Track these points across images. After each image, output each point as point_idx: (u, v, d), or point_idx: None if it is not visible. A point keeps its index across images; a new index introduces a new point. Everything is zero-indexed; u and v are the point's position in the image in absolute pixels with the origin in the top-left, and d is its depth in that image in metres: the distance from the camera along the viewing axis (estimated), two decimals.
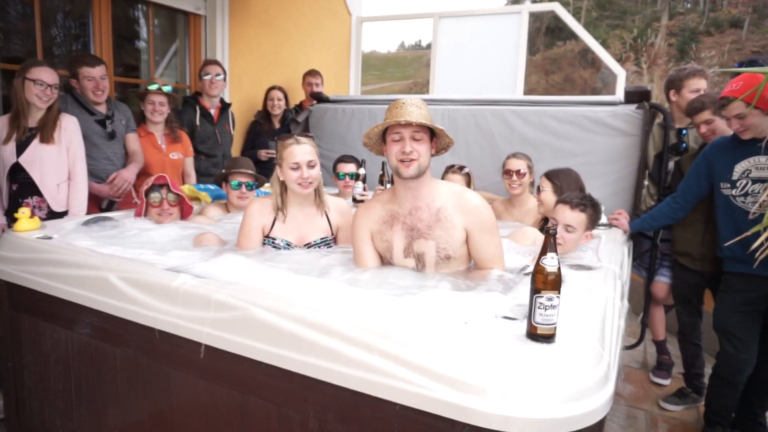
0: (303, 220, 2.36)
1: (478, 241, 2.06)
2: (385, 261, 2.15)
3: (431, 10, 5.87)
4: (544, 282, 1.37)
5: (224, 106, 4.21)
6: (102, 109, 3.31)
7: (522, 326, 1.53)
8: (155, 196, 2.84)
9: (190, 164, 3.82)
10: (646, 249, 3.56)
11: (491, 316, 1.62)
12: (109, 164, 3.29)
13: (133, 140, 3.46)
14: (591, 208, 2.34)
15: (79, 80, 3.19)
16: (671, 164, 3.42)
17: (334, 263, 2.13)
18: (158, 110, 3.53)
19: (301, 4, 5.35)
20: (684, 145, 3.40)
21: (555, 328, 1.40)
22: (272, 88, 4.58)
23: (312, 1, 5.49)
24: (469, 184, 3.44)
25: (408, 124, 1.92)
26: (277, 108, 4.57)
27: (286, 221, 2.34)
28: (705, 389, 3.11)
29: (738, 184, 2.67)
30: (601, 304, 1.76)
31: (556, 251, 1.39)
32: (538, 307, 1.38)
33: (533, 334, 1.40)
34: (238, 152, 4.67)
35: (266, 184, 3.46)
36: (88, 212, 3.05)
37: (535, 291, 1.39)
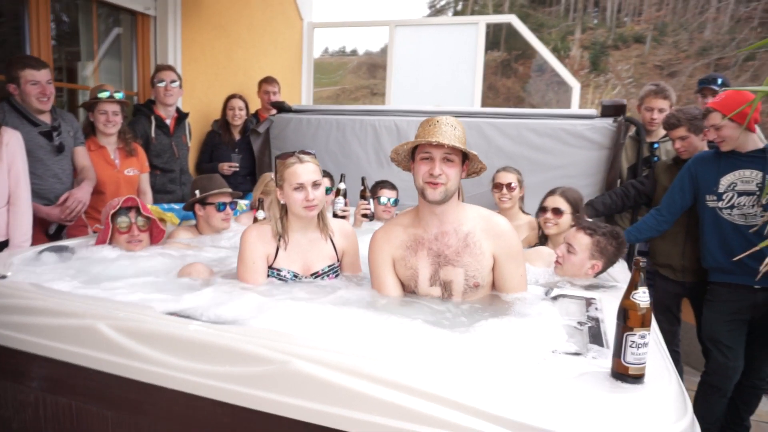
0: (307, 246, 2.14)
1: (505, 268, 1.95)
2: (407, 289, 1.99)
3: (387, 18, 5.75)
4: (636, 318, 1.28)
5: (181, 116, 3.84)
6: (46, 119, 2.88)
7: (587, 362, 1.44)
8: (123, 220, 2.49)
9: (145, 181, 3.44)
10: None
11: (548, 351, 1.52)
12: (56, 182, 2.87)
13: (82, 154, 3.05)
14: (602, 236, 2.24)
15: (20, 85, 2.75)
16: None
17: (353, 296, 1.93)
18: (112, 120, 3.14)
19: (253, 7, 5.04)
20: (656, 158, 3.51)
21: (645, 367, 1.30)
22: (232, 96, 4.25)
23: (264, 5, 5.20)
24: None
25: (440, 145, 1.77)
26: (238, 118, 4.25)
27: (289, 249, 2.11)
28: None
29: (724, 197, 2.75)
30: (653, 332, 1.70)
31: (646, 285, 1.30)
32: (630, 346, 1.29)
33: (623, 375, 1.30)
34: (194, 165, 4.29)
35: (241, 202, 3.18)
36: (34, 240, 2.64)
37: (626, 328, 1.29)
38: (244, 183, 4.21)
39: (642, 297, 1.28)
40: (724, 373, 2.80)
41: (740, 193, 2.71)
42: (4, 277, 1.95)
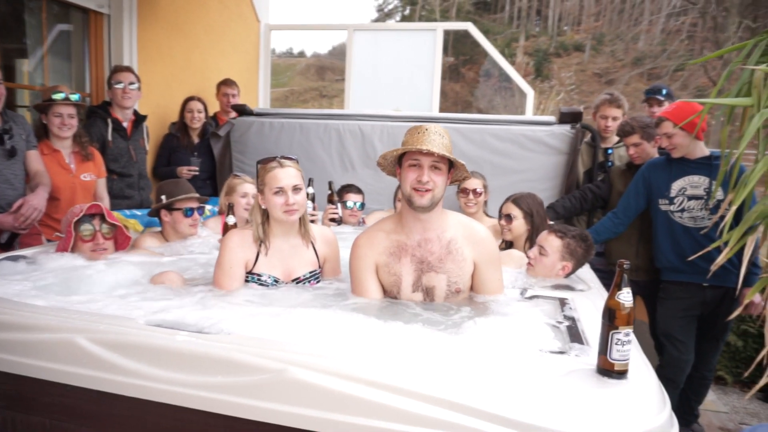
0: (288, 252, 2.12)
1: (485, 273, 2.01)
2: (389, 295, 2.01)
3: (344, 22, 5.76)
4: (621, 318, 1.35)
5: (138, 119, 3.70)
6: None
7: (571, 360, 1.51)
8: (87, 228, 2.38)
9: (102, 186, 3.29)
10: None
11: (534, 350, 1.58)
12: (8, 188, 2.70)
13: (35, 158, 2.88)
14: (572, 239, 2.34)
15: None
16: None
17: (337, 300, 1.93)
18: (67, 124, 2.99)
19: (210, 7, 4.93)
20: (610, 162, 3.70)
21: (629, 363, 1.38)
22: (190, 98, 4.13)
23: (221, 6, 5.09)
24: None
25: (429, 153, 1.81)
26: (197, 121, 4.13)
27: (270, 254, 2.09)
28: None
29: (675, 201, 2.94)
30: None
31: (629, 286, 1.38)
32: (615, 343, 1.36)
33: (609, 371, 1.38)
34: (151, 169, 4.14)
35: (207, 206, 3.10)
36: None
37: (612, 327, 1.36)
38: (204, 187, 4.11)
39: (626, 297, 1.36)
40: (677, 365, 2.98)
41: (690, 198, 2.90)
42: None
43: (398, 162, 1.95)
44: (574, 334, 1.72)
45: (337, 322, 1.62)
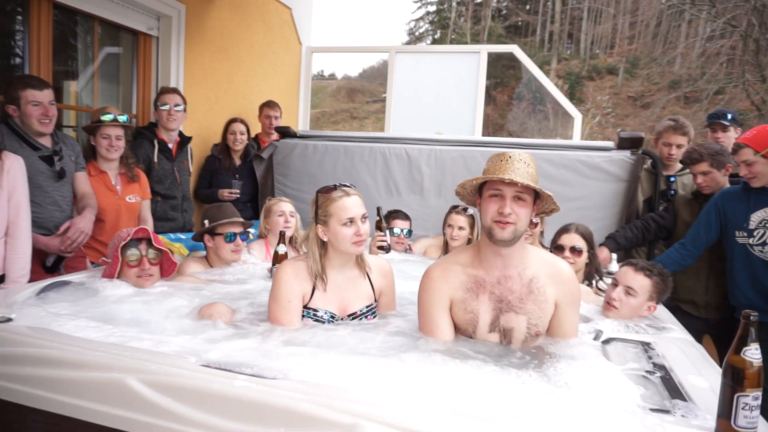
0: (344, 285, 1.98)
1: (565, 315, 1.84)
2: (463, 334, 1.84)
3: (387, 44, 5.71)
4: (750, 378, 1.16)
5: (183, 140, 3.66)
6: (47, 142, 2.68)
7: (678, 422, 1.32)
8: (133, 253, 2.29)
9: (146, 208, 3.24)
10: None
11: (634, 407, 1.39)
12: (57, 211, 2.65)
13: (83, 181, 2.84)
14: (658, 276, 2.17)
15: (20, 106, 2.55)
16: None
17: (405, 342, 1.77)
18: (115, 145, 2.96)
19: (255, 30, 4.93)
20: (673, 191, 3.48)
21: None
22: (233, 120, 4.09)
23: (265, 29, 5.10)
24: (473, 227, 3.25)
25: (512, 183, 1.66)
26: (239, 143, 4.08)
27: (327, 288, 1.95)
28: None
29: (755, 234, 2.71)
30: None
31: (757, 341, 1.19)
32: (743, 408, 1.17)
33: None
34: (192, 192, 4.10)
35: (250, 230, 3.01)
36: (31, 274, 2.41)
37: (738, 389, 1.17)
38: (245, 210, 4.03)
39: (754, 354, 1.18)
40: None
41: None
42: (8, 319, 1.74)
43: (478, 191, 1.80)
44: (672, 389, 1.52)
45: (412, 368, 1.46)
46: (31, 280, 2.33)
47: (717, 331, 3.06)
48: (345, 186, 1.94)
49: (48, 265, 2.60)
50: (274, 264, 2.62)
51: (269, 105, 4.57)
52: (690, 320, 3.17)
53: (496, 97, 26.27)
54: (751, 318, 1.20)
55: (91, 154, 3.00)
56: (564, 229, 2.79)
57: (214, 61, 4.39)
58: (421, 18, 34.18)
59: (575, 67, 30.78)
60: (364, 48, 6.17)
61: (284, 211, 3.04)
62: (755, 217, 2.72)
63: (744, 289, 2.75)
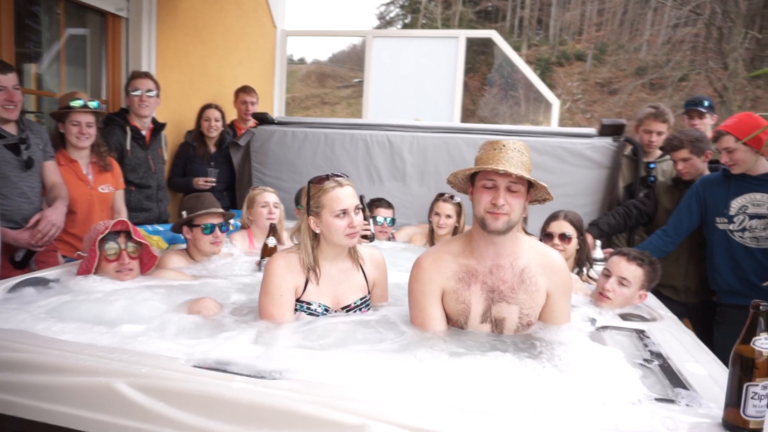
0: (338, 277, 1.93)
1: (556, 305, 1.82)
2: (455, 325, 1.81)
3: (361, 29, 5.59)
4: (760, 368, 1.17)
5: (157, 127, 3.51)
6: (11, 129, 2.52)
7: (683, 411, 1.32)
8: (111, 246, 2.18)
9: (120, 198, 3.10)
10: None
11: (639, 397, 1.39)
12: (25, 202, 2.50)
13: (52, 170, 2.69)
14: (649, 265, 2.18)
15: None
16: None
17: (401, 335, 1.73)
18: (86, 133, 2.81)
19: (228, 13, 4.76)
20: (652, 178, 3.52)
21: (764, 421, 1.19)
22: (207, 106, 3.94)
23: (239, 12, 4.92)
24: (460, 215, 3.23)
25: (506, 174, 1.62)
26: (214, 129, 3.94)
27: (320, 280, 1.89)
28: None
29: (735, 220, 2.76)
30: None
31: (766, 330, 1.19)
32: (752, 398, 1.17)
33: (741, 429, 1.18)
34: (165, 180, 3.95)
35: (230, 221, 2.91)
36: (0, 269, 2.28)
37: (747, 378, 1.17)
38: (222, 198, 3.90)
39: (764, 344, 1.17)
40: None
41: (752, 216, 2.72)
42: None
43: (470, 180, 1.76)
44: (673, 378, 1.53)
45: (412, 364, 1.43)
46: (0, 277, 2.20)
47: (696, 314, 3.12)
48: (338, 176, 1.87)
49: (17, 260, 2.46)
50: (262, 257, 2.54)
51: (245, 90, 4.42)
52: (669, 304, 3.21)
53: (468, 82, 26.32)
54: (761, 308, 1.19)
55: (59, 142, 2.84)
56: (553, 217, 2.78)
57: (187, 44, 4.21)
58: (392, 2, 33.84)
59: (545, 53, 31.03)
60: (340, 32, 6.05)
61: (268, 202, 2.95)
62: (735, 204, 2.77)
63: (724, 274, 2.81)
